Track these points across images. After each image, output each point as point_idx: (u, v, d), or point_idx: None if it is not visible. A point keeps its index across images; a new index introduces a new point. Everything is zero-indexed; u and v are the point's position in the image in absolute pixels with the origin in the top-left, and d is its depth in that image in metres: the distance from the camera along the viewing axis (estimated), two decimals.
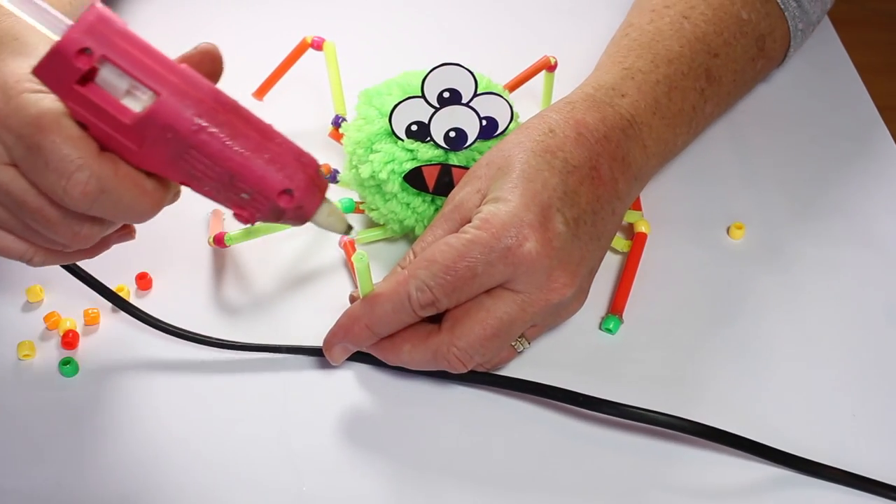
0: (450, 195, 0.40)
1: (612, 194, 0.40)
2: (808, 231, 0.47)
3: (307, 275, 0.45)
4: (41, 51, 0.32)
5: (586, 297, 0.40)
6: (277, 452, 0.39)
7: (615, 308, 0.43)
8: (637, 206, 0.47)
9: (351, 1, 0.61)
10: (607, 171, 0.40)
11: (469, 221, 0.38)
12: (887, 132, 0.53)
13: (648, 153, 0.42)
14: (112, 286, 0.44)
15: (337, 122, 0.49)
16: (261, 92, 0.52)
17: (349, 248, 0.44)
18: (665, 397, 0.40)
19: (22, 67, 0.32)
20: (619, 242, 0.46)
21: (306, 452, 0.39)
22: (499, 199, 0.38)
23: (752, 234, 0.47)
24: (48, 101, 0.31)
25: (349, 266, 0.45)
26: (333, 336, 0.39)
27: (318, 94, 0.53)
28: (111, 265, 0.45)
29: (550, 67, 0.50)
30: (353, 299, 0.40)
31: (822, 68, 0.55)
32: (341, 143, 0.46)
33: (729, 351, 0.42)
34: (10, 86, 0.31)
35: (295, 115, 0.53)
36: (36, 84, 0.31)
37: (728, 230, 0.47)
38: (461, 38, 0.58)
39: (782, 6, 0.48)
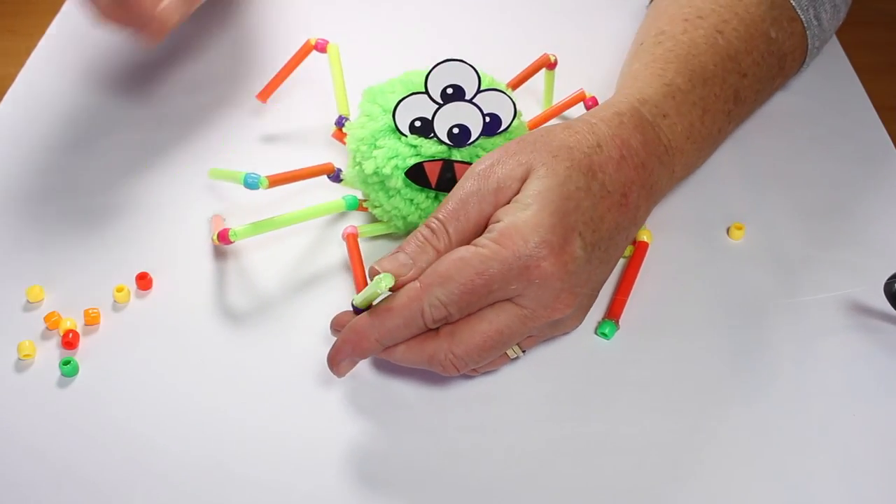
0: (486, 169, 0.38)
1: (631, 220, 0.40)
2: (808, 231, 0.47)
3: (309, 274, 0.45)
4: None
5: (586, 314, 0.40)
6: (276, 453, 0.38)
7: (612, 313, 0.43)
8: None
9: (354, 3, 0.61)
10: (634, 199, 0.40)
11: (507, 202, 0.37)
12: (886, 133, 0.53)
13: (674, 178, 0.43)
14: (112, 286, 0.44)
15: (340, 123, 0.49)
16: (265, 94, 0.52)
17: (352, 240, 0.44)
18: (662, 398, 0.40)
19: None
20: None
21: (303, 453, 0.38)
22: (528, 206, 0.37)
23: (752, 234, 0.47)
24: None
25: (351, 261, 0.45)
26: (339, 353, 0.38)
27: (322, 95, 0.53)
28: (111, 265, 0.45)
29: (550, 65, 0.50)
30: (373, 272, 0.37)
31: (821, 69, 0.56)
32: (344, 144, 0.46)
33: (728, 351, 0.42)
34: None
35: (299, 117, 0.53)
36: None
37: (728, 230, 0.47)
38: (463, 39, 0.59)
39: (805, 24, 0.48)
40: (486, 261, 0.36)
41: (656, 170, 0.41)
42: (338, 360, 0.38)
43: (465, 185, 0.38)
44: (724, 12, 0.46)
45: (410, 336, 0.38)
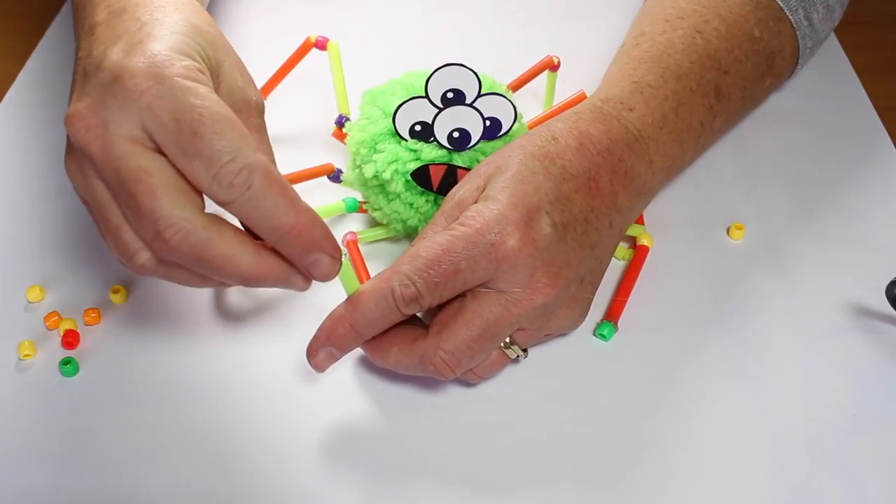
0: (451, 192, 0.40)
1: (609, 206, 0.40)
2: (808, 231, 0.47)
3: None
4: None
5: (584, 309, 0.40)
6: (276, 453, 0.38)
7: (610, 315, 0.43)
8: (640, 222, 0.47)
9: (355, 1, 0.61)
10: (607, 184, 0.40)
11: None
12: (886, 133, 0.53)
13: (655, 168, 0.42)
14: (111, 286, 0.44)
15: (340, 122, 0.49)
16: (264, 91, 0.52)
17: (353, 247, 0.44)
18: (661, 399, 0.40)
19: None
20: (619, 251, 0.46)
21: (303, 453, 0.38)
22: (488, 197, 0.38)
23: (752, 235, 0.47)
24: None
25: (353, 265, 0.45)
26: (316, 340, 0.38)
27: (322, 93, 0.53)
28: (111, 265, 0.45)
29: (553, 67, 0.50)
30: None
31: (822, 69, 0.56)
32: (344, 143, 0.46)
33: (728, 351, 0.42)
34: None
35: (298, 115, 0.53)
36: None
37: (728, 231, 0.47)
38: (464, 37, 0.58)
39: (794, 25, 0.48)
40: (452, 239, 0.36)
41: (626, 156, 0.41)
42: (315, 350, 0.38)
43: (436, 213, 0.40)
44: (706, 13, 0.46)
45: (387, 324, 0.37)
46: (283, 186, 0.33)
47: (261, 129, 0.37)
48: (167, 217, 0.32)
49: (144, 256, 0.34)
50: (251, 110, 0.37)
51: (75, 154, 0.34)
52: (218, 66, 0.36)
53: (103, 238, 0.35)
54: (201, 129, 0.31)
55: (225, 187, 0.32)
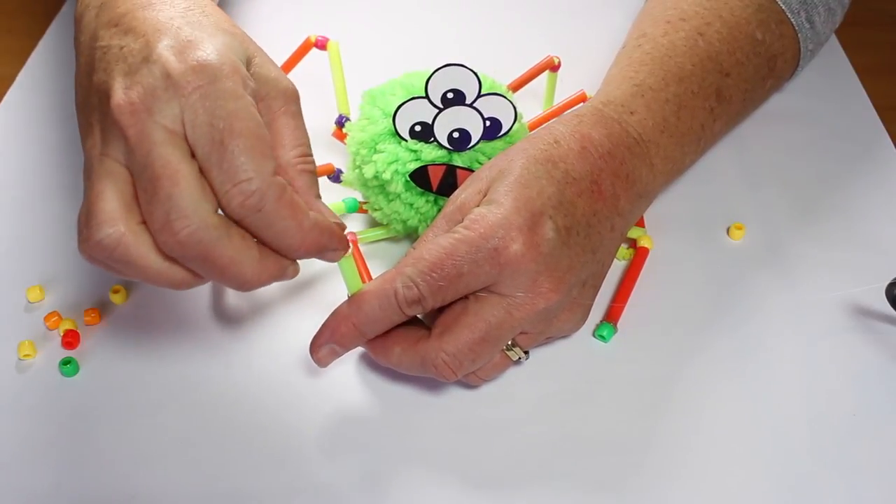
0: (453, 195, 0.40)
1: (611, 210, 0.40)
2: (808, 232, 0.47)
3: (308, 277, 0.45)
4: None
5: (585, 313, 0.40)
6: (276, 453, 0.38)
7: (610, 316, 0.43)
8: (640, 223, 0.47)
9: (355, 1, 0.61)
10: (609, 187, 0.40)
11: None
12: (886, 133, 0.53)
13: (655, 171, 0.42)
14: (110, 286, 0.44)
15: (340, 122, 0.49)
16: None
17: (353, 247, 0.44)
18: (661, 399, 0.40)
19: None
20: (619, 250, 0.46)
21: (302, 453, 0.38)
22: (492, 201, 0.38)
23: (752, 235, 0.47)
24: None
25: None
26: (320, 337, 0.38)
27: (322, 93, 0.53)
28: None
29: (554, 67, 0.50)
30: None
31: (821, 69, 0.56)
32: (344, 143, 0.46)
33: (727, 352, 0.42)
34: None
35: None
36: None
37: (728, 231, 0.47)
38: (465, 37, 0.59)
39: (796, 27, 0.48)
40: (455, 242, 0.36)
41: (628, 160, 0.41)
42: (318, 346, 0.38)
43: (437, 216, 0.40)
44: (708, 14, 0.46)
45: (390, 324, 0.38)
46: (293, 209, 0.33)
47: (297, 115, 0.37)
48: (181, 208, 0.32)
49: (105, 231, 0.32)
50: (287, 98, 0.37)
51: (106, 137, 0.33)
52: (250, 62, 0.36)
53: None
54: (228, 141, 0.32)
55: (235, 206, 0.32)
